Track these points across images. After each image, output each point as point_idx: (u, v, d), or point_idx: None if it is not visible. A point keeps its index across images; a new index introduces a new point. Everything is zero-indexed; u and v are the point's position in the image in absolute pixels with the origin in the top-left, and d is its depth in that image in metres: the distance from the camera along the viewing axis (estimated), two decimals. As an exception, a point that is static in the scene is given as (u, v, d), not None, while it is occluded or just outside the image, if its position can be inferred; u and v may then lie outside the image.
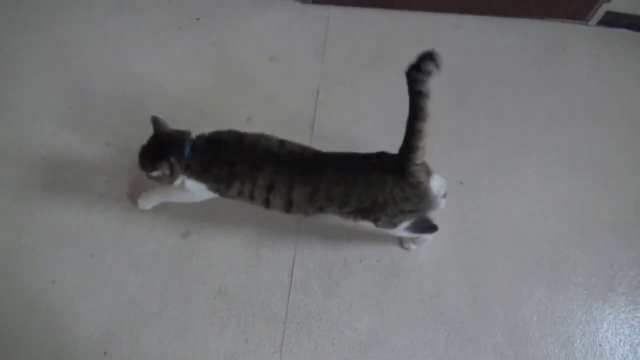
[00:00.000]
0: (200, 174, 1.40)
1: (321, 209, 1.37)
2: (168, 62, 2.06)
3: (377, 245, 1.64)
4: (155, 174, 1.38)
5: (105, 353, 1.45)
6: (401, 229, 1.42)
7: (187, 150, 1.38)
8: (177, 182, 1.42)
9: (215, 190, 1.42)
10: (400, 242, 1.64)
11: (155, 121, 1.42)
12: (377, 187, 1.29)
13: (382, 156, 1.32)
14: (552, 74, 2.08)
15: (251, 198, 1.39)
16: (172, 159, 1.36)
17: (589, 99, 2.01)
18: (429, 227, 1.48)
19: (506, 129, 1.92)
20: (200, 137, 1.42)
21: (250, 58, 2.08)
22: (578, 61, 2.12)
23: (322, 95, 1.97)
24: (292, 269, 1.60)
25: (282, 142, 1.38)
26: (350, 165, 1.33)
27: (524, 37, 2.20)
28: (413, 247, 1.62)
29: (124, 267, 1.59)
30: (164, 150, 1.37)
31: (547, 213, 1.73)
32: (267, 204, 1.39)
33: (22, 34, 2.12)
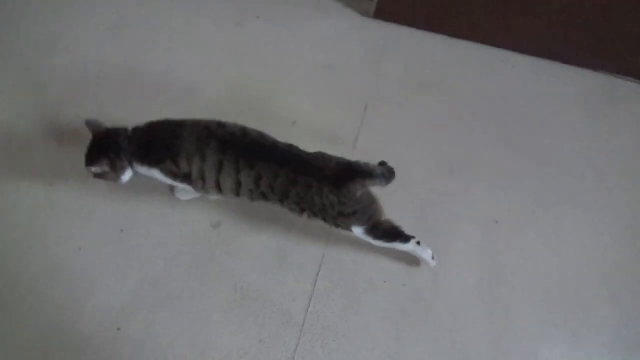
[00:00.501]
0: (144, 158, 1.44)
1: (265, 197, 1.42)
2: (222, 56, 2.08)
3: (404, 268, 1.62)
4: (94, 169, 1.45)
5: (118, 329, 1.45)
6: (361, 234, 1.47)
7: (123, 144, 1.43)
8: (126, 177, 1.47)
9: (168, 173, 1.44)
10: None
11: (89, 124, 1.48)
12: (314, 190, 1.36)
13: (326, 163, 1.38)
14: (603, 129, 2.06)
15: (203, 180, 1.41)
16: (111, 155, 1.42)
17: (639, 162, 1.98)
18: (397, 236, 1.51)
19: (549, 176, 1.89)
20: (137, 128, 1.47)
21: (305, 63, 2.09)
22: (631, 120, 2.09)
23: (370, 111, 1.97)
24: (317, 278, 1.58)
25: (220, 125, 1.41)
26: (294, 164, 1.37)
27: (578, 86, 2.19)
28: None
29: (151, 247, 1.59)
30: (102, 148, 1.44)
31: (580, 268, 1.70)
32: (219, 187, 1.42)
33: (86, 9, 2.17)
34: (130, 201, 1.66)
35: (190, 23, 2.16)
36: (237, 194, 1.44)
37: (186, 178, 1.44)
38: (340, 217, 1.42)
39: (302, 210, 1.44)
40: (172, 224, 1.63)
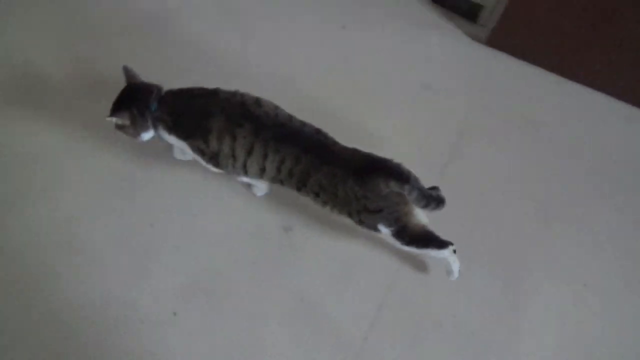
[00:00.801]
0: (173, 127, 1.39)
1: (282, 183, 1.38)
2: (322, 56, 2.03)
3: (477, 311, 1.49)
4: (114, 120, 1.39)
5: (174, 314, 1.42)
6: (389, 237, 1.37)
7: (153, 104, 1.38)
8: (145, 137, 1.43)
9: (196, 149, 1.39)
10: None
11: (127, 71, 1.43)
12: (338, 179, 1.29)
13: (354, 155, 1.32)
14: None
15: (233, 158, 1.36)
16: (135, 110, 1.37)
17: None
18: (430, 241, 1.37)
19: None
20: (170, 91, 1.41)
21: (403, 78, 2.01)
22: None
23: (464, 139, 1.86)
24: (382, 304, 1.49)
25: (258, 100, 1.36)
26: (323, 152, 1.31)
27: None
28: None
29: (220, 237, 1.56)
30: (129, 101, 1.38)
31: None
32: (245, 168, 1.38)
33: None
34: (205, 188, 1.63)
35: (294, 19, 2.13)
36: (260, 177, 1.40)
37: (213, 158, 1.40)
38: (364, 212, 1.32)
39: (324, 203, 1.37)
40: (244, 219, 1.60)
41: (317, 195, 1.36)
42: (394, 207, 1.32)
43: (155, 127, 1.43)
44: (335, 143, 1.35)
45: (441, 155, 1.80)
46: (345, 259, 1.55)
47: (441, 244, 1.38)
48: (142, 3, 2.07)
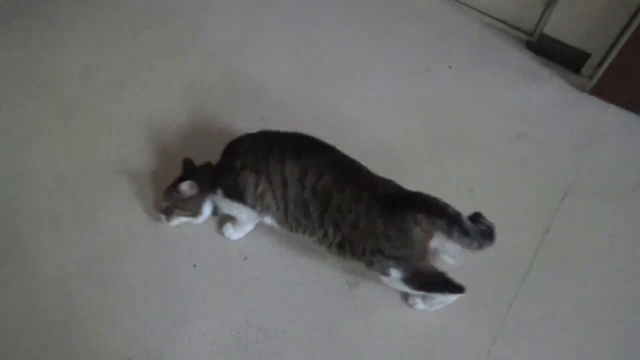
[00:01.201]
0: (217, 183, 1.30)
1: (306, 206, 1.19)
2: (404, 98, 1.85)
3: None
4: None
5: None
6: (397, 281, 1.16)
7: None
8: (205, 213, 1.35)
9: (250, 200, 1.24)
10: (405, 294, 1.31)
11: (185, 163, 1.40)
12: (362, 205, 1.10)
13: (389, 189, 1.15)
14: None
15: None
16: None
17: None
18: (445, 285, 1.16)
19: None
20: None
21: (496, 126, 1.76)
22: None
23: (569, 200, 1.56)
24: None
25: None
26: (351, 173, 1.17)
27: None
28: (420, 306, 1.26)
29: (270, 286, 1.35)
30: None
31: None
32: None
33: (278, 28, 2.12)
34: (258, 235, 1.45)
35: (376, 55, 1.97)
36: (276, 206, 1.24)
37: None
38: (378, 254, 1.13)
39: (341, 244, 1.18)
40: (304, 269, 1.38)
41: (337, 228, 1.16)
42: (415, 256, 1.13)
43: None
44: (368, 171, 1.20)
45: (542, 217, 1.53)
46: (424, 331, 1.28)
47: (457, 288, 1.18)
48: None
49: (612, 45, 1.77)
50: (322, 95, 1.80)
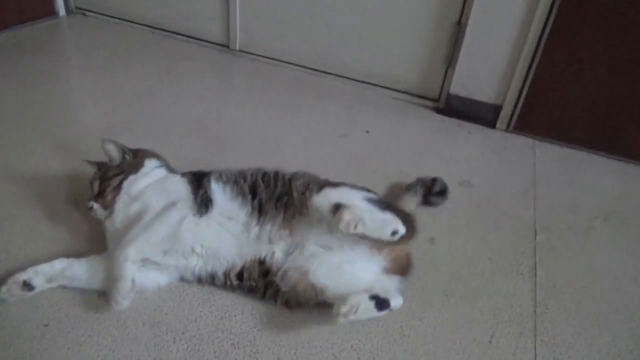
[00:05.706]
0: None
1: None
2: (313, 162, 1.58)
3: None
4: None
5: None
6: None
7: None
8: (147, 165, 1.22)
9: None
10: None
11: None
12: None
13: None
14: None
15: None
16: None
17: None
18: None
19: None
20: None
21: (432, 175, 1.55)
22: None
23: (542, 237, 1.33)
24: None
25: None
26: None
27: None
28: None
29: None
30: None
31: None
32: None
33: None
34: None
35: (289, 127, 1.74)
36: None
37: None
38: None
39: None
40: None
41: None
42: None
43: None
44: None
45: (521, 258, 1.25)
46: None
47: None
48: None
49: (520, 90, 1.76)
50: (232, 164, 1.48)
